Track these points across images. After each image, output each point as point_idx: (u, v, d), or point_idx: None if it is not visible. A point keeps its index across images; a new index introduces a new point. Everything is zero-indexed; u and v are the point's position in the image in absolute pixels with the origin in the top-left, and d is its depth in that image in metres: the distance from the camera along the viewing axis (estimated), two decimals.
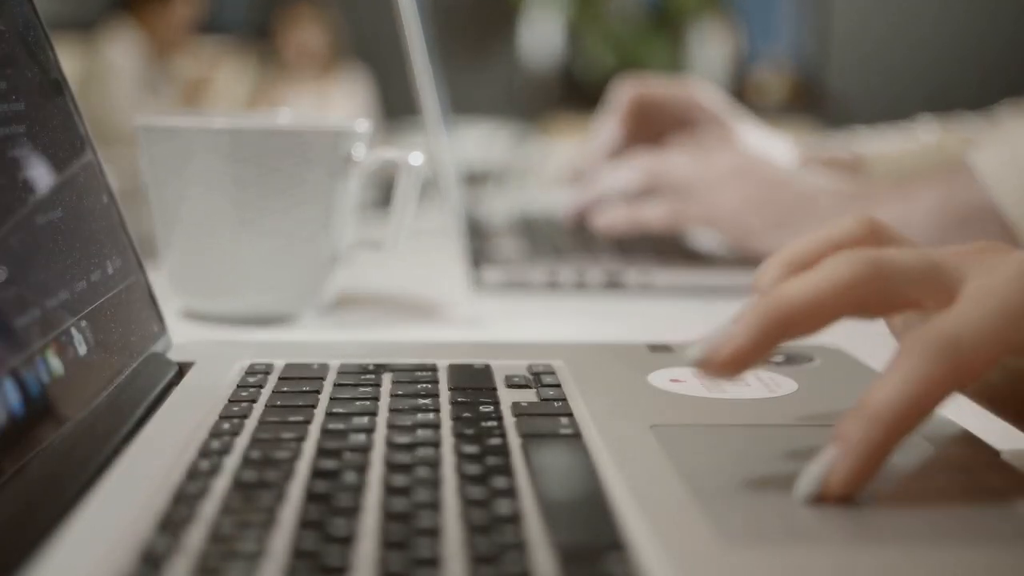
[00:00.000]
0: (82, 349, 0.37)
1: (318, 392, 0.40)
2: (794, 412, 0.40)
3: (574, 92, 4.55)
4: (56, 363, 0.35)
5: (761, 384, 0.43)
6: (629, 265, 0.75)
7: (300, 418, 0.37)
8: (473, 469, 0.32)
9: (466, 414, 0.38)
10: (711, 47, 4.69)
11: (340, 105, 3.77)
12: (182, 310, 0.63)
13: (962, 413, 0.37)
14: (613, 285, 0.73)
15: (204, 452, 0.34)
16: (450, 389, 0.41)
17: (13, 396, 0.31)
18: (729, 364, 0.31)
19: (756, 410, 0.40)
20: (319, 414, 0.38)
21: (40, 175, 0.38)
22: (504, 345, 0.49)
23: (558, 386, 0.42)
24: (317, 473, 0.32)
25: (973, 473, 0.33)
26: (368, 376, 0.43)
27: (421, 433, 0.36)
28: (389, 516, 0.29)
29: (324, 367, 0.44)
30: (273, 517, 0.29)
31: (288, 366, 0.44)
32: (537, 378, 0.43)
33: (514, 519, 0.29)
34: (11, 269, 0.34)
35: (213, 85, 3.87)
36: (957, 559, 0.27)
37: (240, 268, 0.60)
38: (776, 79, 4.72)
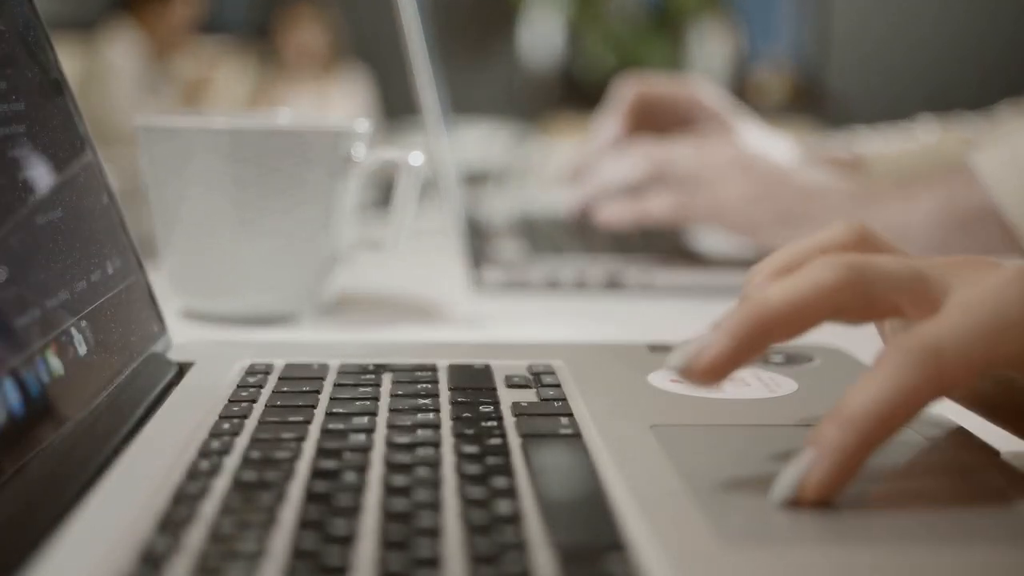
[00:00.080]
0: (82, 349, 0.37)
1: (318, 392, 0.40)
2: (794, 412, 0.40)
3: (574, 92, 4.55)
4: (56, 363, 0.35)
5: (761, 384, 0.43)
6: (629, 265, 0.75)
7: (300, 418, 0.37)
8: (473, 469, 0.32)
9: (466, 414, 0.38)
10: (711, 47, 4.69)
11: (340, 105, 3.77)
12: (182, 310, 0.63)
13: (962, 413, 0.37)
14: (613, 285, 0.73)
15: (204, 452, 0.34)
16: (450, 389, 0.41)
17: (13, 396, 0.31)
18: (709, 372, 0.31)
19: (756, 410, 0.40)
20: (319, 414, 0.38)
21: (40, 175, 0.38)
22: (504, 345, 0.49)
23: (558, 386, 0.42)
24: (317, 473, 0.32)
25: (973, 473, 0.33)
26: (368, 376, 0.43)
27: (421, 433, 0.36)
28: (389, 516, 0.29)
29: (324, 367, 0.44)
30: (273, 517, 0.29)
31: (288, 366, 0.44)
32: (537, 378, 0.43)
33: (514, 519, 0.29)
34: (11, 269, 0.34)
35: (213, 85, 3.87)
36: (957, 559, 0.27)
37: (240, 268, 0.60)
38: (776, 79, 4.72)
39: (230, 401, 0.40)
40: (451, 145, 0.96)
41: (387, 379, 0.42)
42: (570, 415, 0.38)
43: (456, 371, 0.44)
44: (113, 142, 1.89)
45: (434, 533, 0.28)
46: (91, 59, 3.27)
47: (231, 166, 0.59)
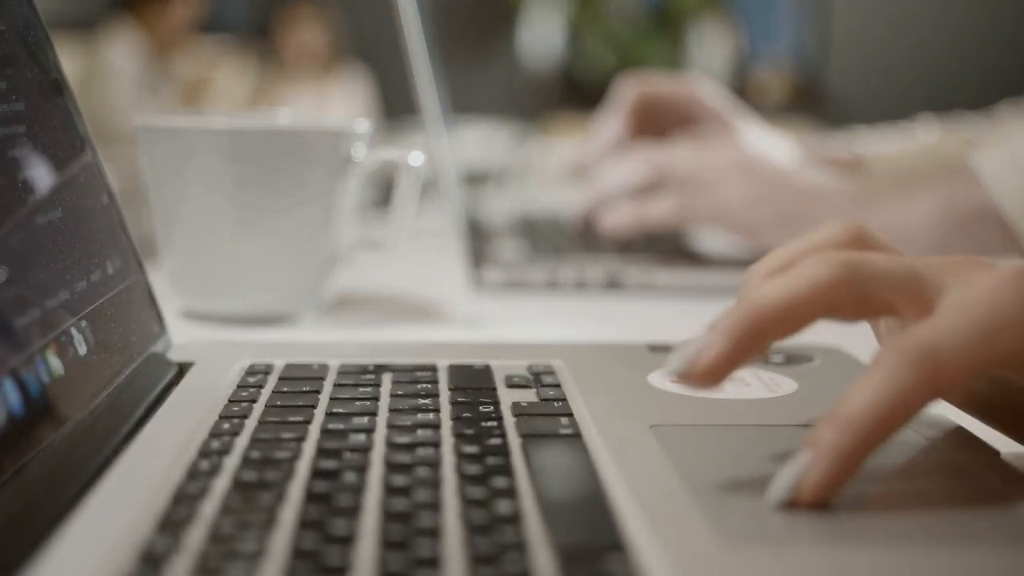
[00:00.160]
0: (82, 349, 0.37)
1: (318, 392, 0.40)
2: (794, 412, 0.40)
3: (574, 92, 4.55)
4: (56, 363, 0.35)
5: (761, 384, 0.43)
6: (629, 265, 0.75)
7: (300, 418, 0.37)
8: (473, 469, 0.32)
9: (466, 414, 0.38)
10: (711, 47, 4.69)
11: (340, 105, 3.77)
12: (182, 310, 0.63)
13: (961, 413, 0.37)
14: (613, 285, 0.73)
15: (204, 452, 0.34)
16: (450, 389, 0.41)
17: (13, 396, 0.31)
18: (709, 374, 0.31)
19: (756, 410, 0.40)
20: (319, 414, 0.38)
21: (40, 175, 0.38)
22: (504, 345, 0.49)
23: (558, 386, 0.42)
24: (317, 473, 0.32)
25: (972, 473, 0.33)
26: (368, 376, 0.43)
27: (421, 433, 0.36)
28: (389, 516, 0.29)
29: (324, 367, 0.44)
30: (273, 517, 0.29)
31: (288, 366, 0.44)
32: (537, 378, 0.43)
33: (514, 519, 0.29)
34: (11, 269, 0.34)
35: (213, 85, 3.87)
36: (956, 559, 0.27)
37: (240, 268, 0.60)
38: (776, 79, 4.72)
39: (230, 401, 0.40)
40: (451, 145, 0.96)
41: (387, 379, 0.42)
42: (570, 415, 0.38)
43: (456, 371, 0.44)
44: (113, 142, 1.90)
45: (434, 533, 0.28)
46: (91, 59, 3.27)
47: (231, 166, 0.59)
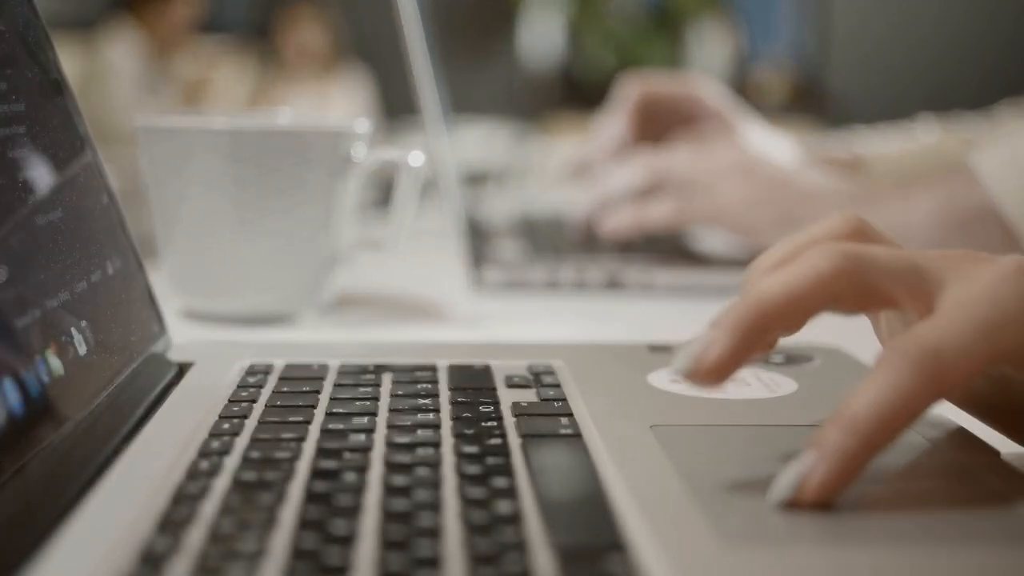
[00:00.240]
0: (82, 349, 0.37)
1: (318, 392, 0.40)
2: (794, 412, 0.40)
3: (574, 92, 4.55)
4: (56, 363, 0.35)
5: (761, 384, 0.43)
6: (629, 265, 0.75)
7: (300, 418, 0.37)
8: (473, 469, 0.32)
9: (466, 414, 0.38)
10: (711, 47, 4.69)
11: (340, 105, 3.77)
12: (182, 310, 0.63)
13: (962, 413, 0.37)
14: (613, 285, 0.73)
15: (204, 452, 0.34)
16: (450, 389, 0.41)
17: (13, 396, 0.31)
18: (715, 372, 0.31)
19: (756, 410, 0.40)
20: (319, 414, 0.38)
21: (40, 175, 0.38)
22: (504, 345, 0.49)
23: (558, 386, 0.42)
24: (317, 473, 0.32)
25: (973, 473, 0.33)
26: (368, 376, 0.43)
27: (421, 433, 0.36)
28: (389, 516, 0.29)
29: (324, 367, 0.44)
30: (273, 517, 0.29)
31: (288, 366, 0.44)
32: (537, 378, 0.43)
33: (514, 519, 0.29)
34: (11, 269, 0.34)
35: (213, 85, 3.87)
36: (956, 560, 0.27)
37: (240, 268, 0.60)
38: (776, 79, 4.71)
39: (230, 401, 0.40)
40: (451, 145, 0.96)
41: (387, 379, 0.42)
42: (570, 415, 0.38)
43: (456, 371, 0.44)
44: (113, 142, 1.90)
45: (434, 533, 0.28)
46: (91, 59, 3.27)
47: (231, 166, 0.59)
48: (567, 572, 0.26)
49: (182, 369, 0.45)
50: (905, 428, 0.30)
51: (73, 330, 0.37)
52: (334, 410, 0.38)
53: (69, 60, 0.67)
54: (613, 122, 0.94)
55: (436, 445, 0.34)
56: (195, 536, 0.28)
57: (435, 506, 0.29)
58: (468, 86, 3.76)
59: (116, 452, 0.35)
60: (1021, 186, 0.70)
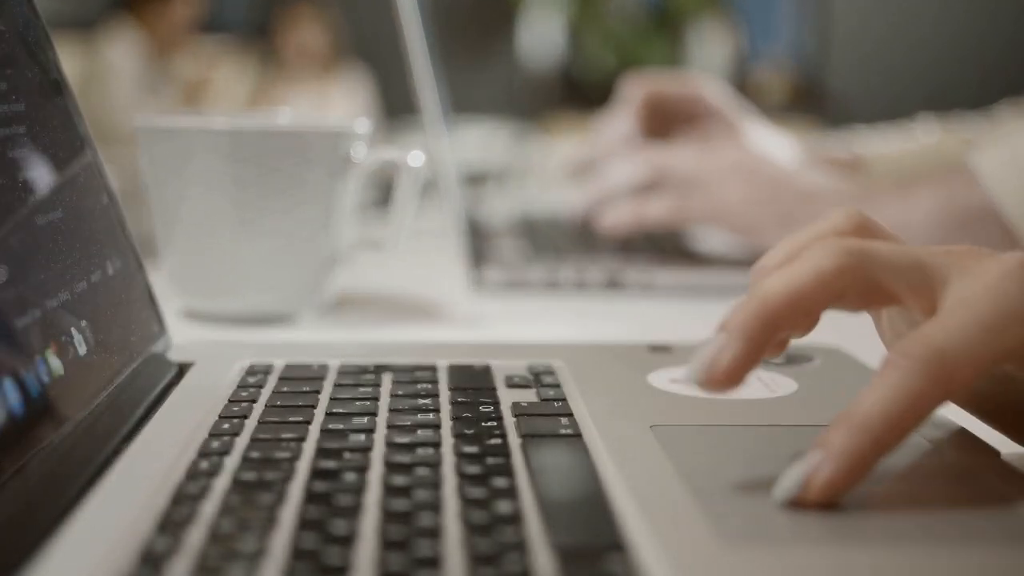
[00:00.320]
0: (82, 349, 0.37)
1: (318, 392, 0.40)
2: (794, 412, 0.40)
3: (574, 92, 4.55)
4: (56, 363, 0.35)
5: (761, 384, 0.43)
6: (629, 265, 0.75)
7: (300, 418, 0.37)
8: (473, 469, 0.32)
9: (466, 414, 0.38)
10: (711, 47, 4.69)
11: (340, 105, 3.77)
12: (182, 310, 0.63)
13: (962, 413, 0.37)
14: (613, 285, 0.73)
15: (204, 452, 0.34)
16: (450, 389, 0.41)
17: (13, 396, 0.31)
18: (729, 377, 0.31)
19: (756, 410, 0.40)
20: (319, 414, 0.38)
21: (40, 175, 0.38)
22: (504, 345, 0.49)
23: (558, 386, 0.42)
24: (317, 473, 0.32)
25: (973, 473, 0.33)
26: (368, 376, 0.43)
27: (421, 433, 0.36)
28: (389, 516, 0.29)
29: (324, 367, 0.44)
30: (273, 517, 0.29)
31: (288, 366, 0.44)
32: (537, 378, 0.43)
33: (514, 519, 0.29)
34: (11, 269, 0.34)
35: (213, 85, 3.87)
36: (956, 560, 0.27)
37: (240, 268, 0.60)
38: (776, 79, 4.71)
39: (230, 401, 0.40)
40: (451, 145, 0.96)
41: (387, 379, 0.42)
42: (570, 415, 0.38)
43: (456, 371, 0.44)
44: (113, 142, 1.90)
45: (434, 533, 0.28)
46: (91, 59, 3.27)
47: (231, 166, 0.59)
48: (567, 572, 0.26)
49: (182, 369, 0.45)
50: (912, 430, 0.30)
51: (73, 330, 0.37)
52: (334, 410, 0.38)
53: (69, 60, 0.67)
54: (619, 120, 0.94)
55: (436, 445, 0.34)
56: (195, 536, 0.28)
57: (435, 506, 0.29)
58: (468, 86, 3.76)
59: (116, 452, 0.35)
60: (1021, 186, 0.70)
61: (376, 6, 2.63)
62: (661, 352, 0.48)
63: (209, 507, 0.29)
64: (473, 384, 0.42)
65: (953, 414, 0.37)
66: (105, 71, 3.23)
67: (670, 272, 0.73)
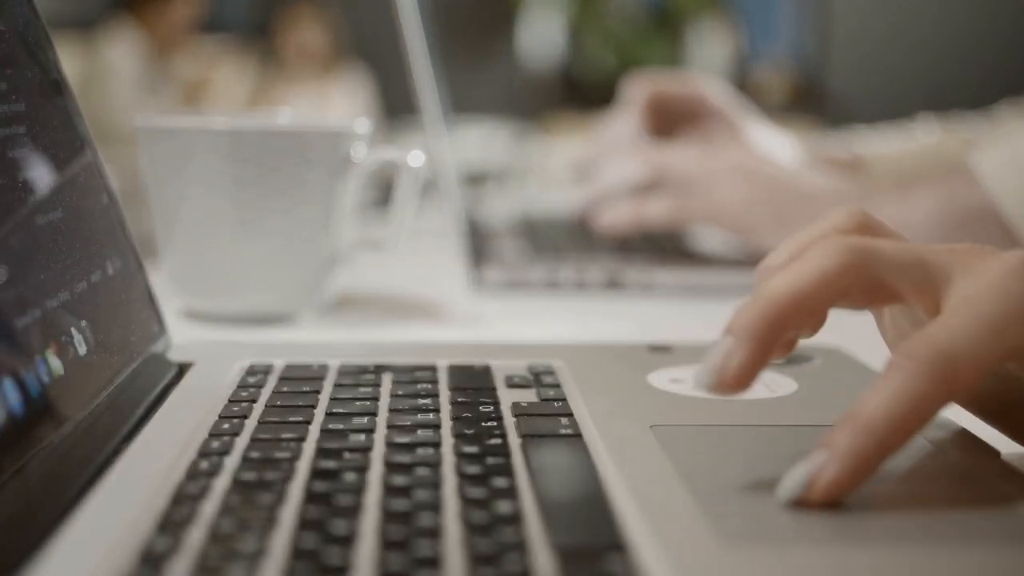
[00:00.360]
0: (82, 349, 0.37)
1: (318, 392, 0.40)
2: (794, 412, 0.40)
3: (574, 92, 4.55)
4: (56, 363, 0.35)
5: (761, 384, 0.43)
6: (629, 265, 0.75)
7: (300, 418, 0.37)
8: (473, 469, 0.32)
9: (466, 414, 0.38)
10: (711, 47, 4.69)
11: (340, 105, 3.77)
12: (182, 310, 0.63)
13: (962, 413, 0.37)
14: (613, 285, 0.73)
15: (204, 452, 0.34)
16: (450, 389, 0.41)
17: (13, 396, 0.31)
18: (738, 381, 0.31)
19: (756, 410, 0.40)
20: (319, 414, 0.38)
21: (40, 175, 0.38)
22: (504, 345, 0.49)
23: (558, 386, 0.42)
24: (317, 473, 0.32)
25: (973, 473, 0.33)
26: (368, 376, 0.43)
27: (421, 433, 0.36)
28: (389, 516, 0.29)
29: (324, 367, 0.44)
30: (273, 517, 0.29)
31: (288, 366, 0.44)
32: (537, 378, 0.43)
33: (514, 519, 0.29)
34: (11, 269, 0.34)
35: (213, 85, 3.87)
36: (956, 560, 0.27)
37: (240, 268, 0.60)
38: (776, 79, 4.71)
39: (230, 401, 0.40)
40: (451, 145, 0.96)
41: (387, 379, 0.42)
42: (570, 415, 0.38)
43: (456, 371, 0.44)
44: (113, 142, 1.89)
45: (434, 533, 0.28)
46: (91, 59, 3.27)
47: (231, 166, 0.59)
48: (567, 572, 0.26)
49: (182, 369, 0.45)
50: (917, 431, 0.30)
51: (73, 330, 0.37)
52: (334, 410, 0.38)
53: (69, 60, 0.67)
54: (623, 121, 0.94)
55: (436, 445, 0.34)
56: (195, 536, 0.28)
57: (435, 506, 0.29)
58: (468, 86, 3.76)
59: (116, 452, 0.35)
60: (1021, 186, 0.71)
61: (376, 6, 2.63)
62: (661, 352, 0.48)
63: (209, 507, 0.29)
64: (473, 384, 0.42)
65: (953, 414, 0.37)
66: (105, 71, 3.23)
67: (670, 272, 0.73)
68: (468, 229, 0.80)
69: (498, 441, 0.35)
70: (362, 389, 0.41)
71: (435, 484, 0.31)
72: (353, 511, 0.29)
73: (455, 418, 0.37)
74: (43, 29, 0.42)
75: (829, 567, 0.27)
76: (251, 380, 0.42)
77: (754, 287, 0.34)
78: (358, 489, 0.30)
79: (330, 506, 0.29)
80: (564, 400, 0.40)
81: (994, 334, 0.30)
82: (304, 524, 0.28)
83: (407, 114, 1.96)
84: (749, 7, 4.77)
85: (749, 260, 0.76)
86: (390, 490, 0.30)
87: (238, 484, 0.31)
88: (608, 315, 0.67)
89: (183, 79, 3.66)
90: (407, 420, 0.37)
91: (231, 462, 0.33)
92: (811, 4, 4.69)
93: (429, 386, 0.41)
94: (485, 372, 0.44)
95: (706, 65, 4.55)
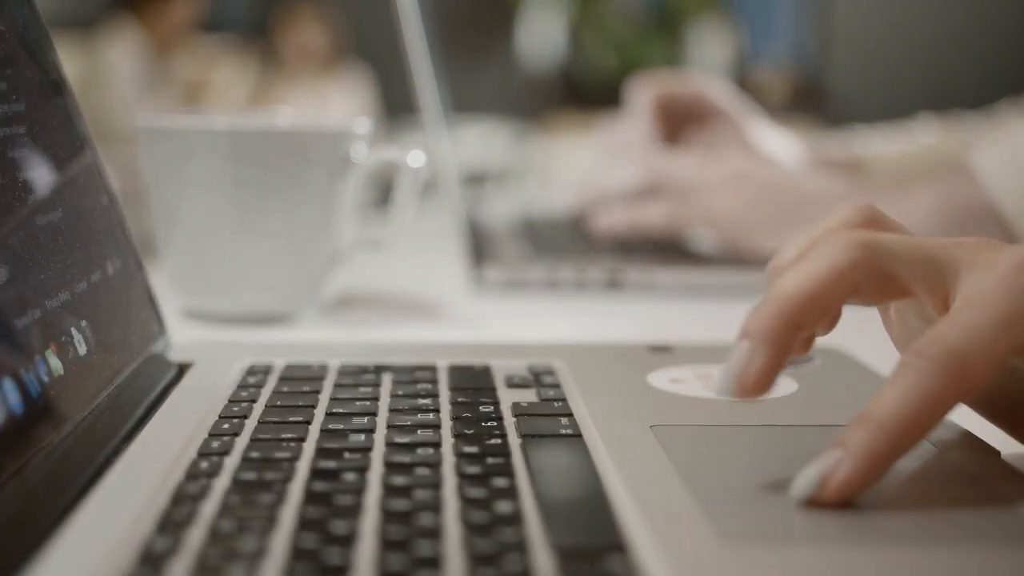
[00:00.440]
0: (82, 349, 0.37)
1: (318, 392, 0.40)
2: (794, 412, 0.40)
3: (574, 92, 4.55)
4: (56, 363, 0.35)
5: None
6: (629, 265, 0.75)
7: (300, 418, 0.37)
8: (473, 469, 0.32)
9: (466, 414, 0.38)
10: (711, 47, 4.69)
11: (340, 105, 3.77)
12: (182, 310, 0.63)
13: (962, 413, 0.37)
14: (613, 285, 0.73)
15: (204, 452, 0.34)
16: (450, 389, 0.41)
17: (13, 396, 0.31)
18: (761, 384, 0.31)
19: (756, 410, 0.40)
20: (319, 414, 0.38)
21: (40, 176, 0.38)
22: (504, 345, 0.49)
23: (558, 386, 0.42)
24: (317, 473, 0.32)
25: (973, 474, 0.33)
26: (368, 376, 0.43)
27: (421, 433, 0.36)
28: (389, 516, 0.29)
29: (324, 367, 0.44)
30: (273, 517, 0.29)
31: (288, 366, 0.44)
32: (537, 378, 0.43)
33: (514, 519, 0.29)
34: (11, 269, 0.34)
35: (213, 85, 3.87)
36: (956, 559, 0.27)
37: (240, 268, 0.60)
38: (776, 79, 4.71)
39: (230, 401, 0.40)
40: (451, 145, 0.96)
41: (387, 379, 0.42)
42: (570, 415, 0.38)
43: (456, 371, 0.44)
44: (113, 142, 1.90)
45: (434, 533, 0.28)
46: (91, 59, 3.27)
47: (231, 166, 0.59)
48: (567, 572, 0.26)
49: (182, 369, 0.45)
50: (930, 430, 0.30)
51: (73, 330, 0.37)
52: (334, 410, 0.38)
53: (69, 60, 0.67)
54: (632, 125, 0.94)
55: (436, 445, 0.34)
56: (195, 536, 0.28)
57: (435, 506, 0.29)
58: (468, 86, 3.76)
59: (116, 452, 0.35)
60: (1021, 185, 0.71)
61: (376, 6, 2.63)
62: (661, 352, 0.48)
63: (209, 507, 0.29)
64: (473, 384, 0.42)
65: (953, 414, 0.37)
66: (105, 71, 3.23)
67: (670, 272, 0.73)
68: (468, 229, 0.80)
69: (498, 441, 0.35)
70: (362, 389, 0.41)
71: (435, 484, 0.31)
72: (353, 511, 0.29)
73: (455, 418, 0.37)
74: (43, 29, 0.42)
75: (829, 567, 0.27)
76: (251, 380, 0.42)
77: (766, 286, 0.34)
78: (358, 489, 0.30)
79: (330, 506, 0.29)
80: (564, 400, 0.40)
81: (1003, 330, 0.30)
82: (304, 524, 0.28)
83: (407, 114, 1.96)
84: (749, 7, 4.77)
85: (748, 260, 0.76)
86: (390, 490, 0.30)
87: (238, 484, 0.31)
88: (608, 315, 0.67)
89: (183, 79, 3.66)
90: (407, 420, 0.37)
91: (231, 462, 0.33)
92: (811, 4, 4.69)
93: (429, 386, 0.41)
94: (485, 372, 0.44)
95: (706, 65, 4.55)
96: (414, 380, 0.42)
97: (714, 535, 0.28)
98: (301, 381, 0.42)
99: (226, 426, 0.36)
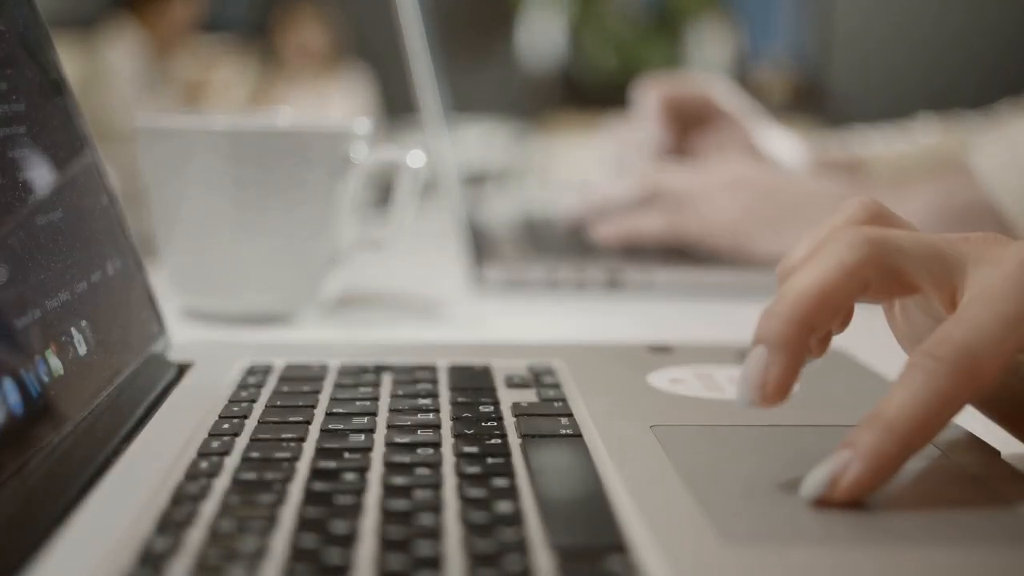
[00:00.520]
0: (82, 349, 0.37)
1: (318, 392, 0.40)
2: (794, 412, 0.40)
3: (574, 92, 4.55)
4: (56, 363, 0.35)
5: None
6: (629, 265, 0.75)
7: (300, 418, 0.37)
8: (473, 469, 0.32)
9: (466, 414, 0.38)
10: (711, 47, 4.69)
11: (340, 104, 3.77)
12: (182, 310, 0.63)
13: (962, 413, 0.37)
14: (613, 285, 0.73)
15: (204, 452, 0.34)
16: (450, 389, 0.41)
17: (13, 396, 0.31)
18: (780, 390, 0.31)
19: (756, 410, 0.40)
20: (319, 414, 0.38)
21: (40, 176, 0.38)
22: (504, 345, 0.49)
23: (558, 386, 0.42)
24: (317, 473, 0.32)
25: (973, 473, 0.33)
26: (368, 376, 0.43)
27: (421, 433, 0.36)
28: (389, 516, 0.29)
29: (324, 367, 0.44)
30: (273, 517, 0.29)
31: (288, 366, 0.44)
32: (537, 378, 0.43)
33: (514, 519, 0.29)
34: (11, 269, 0.34)
35: (213, 85, 3.87)
36: (956, 559, 0.27)
37: (240, 268, 0.60)
38: (777, 79, 4.71)
39: (230, 401, 0.40)
40: (451, 145, 0.96)
41: (387, 379, 0.42)
42: (570, 415, 0.38)
43: (456, 371, 0.44)
44: (113, 142, 1.89)
45: (434, 533, 0.28)
46: (91, 59, 3.27)
47: (231, 166, 0.59)
48: (567, 572, 0.26)
49: (182, 369, 0.45)
50: (940, 430, 0.30)
51: (73, 330, 0.37)
52: (334, 410, 0.38)
53: (69, 60, 0.67)
54: (640, 128, 0.94)
55: (436, 445, 0.34)
56: (195, 536, 0.28)
57: (435, 506, 0.29)
58: (468, 86, 3.76)
59: (116, 452, 0.35)
60: (1021, 185, 0.71)
61: (376, 6, 2.62)
62: (661, 352, 0.48)
63: (209, 507, 0.29)
64: (473, 384, 0.42)
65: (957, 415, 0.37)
66: (105, 71, 3.23)
67: (670, 272, 0.73)
68: (468, 229, 0.80)
69: (498, 441, 0.35)
70: (362, 389, 0.41)
71: (435, 484, 0.31)
72: (353, 511, 0.29)
73: (455, 418, 0.37)
74: (43, 29, 0.42)
75: (828, 567, 0.27)
76: (251, 380, 0.42)
77: (776, 287, 0.34)
78: (358, 489, 0.30)
79: (330, 506, 0.29)
80: (564, 400, 0.40)
81: (1012, 328, 0.30)
82: (304, 524, 0.28)
83: (407, 114, 1.96)
84: (749, 7, 4.77)
85: (749, 261, 0.76)
86: (390, 490, 0.30)
87: (238, 484, 0.31)
88: (608, 315, 0.67)
89: (183, 79, 3.66)
90: (407, 420, 0.37)
91: (231, 462, 0.33)
92: (811, 4, 4.69)
93: (429, 386, 0.41)
94: (485, 372, 0.44)
95: (706, 65, 4.55)
96: (414, 380, 0.42)
97: (714, 535, 0.28)
98: (301, 381, 0.42)
99: (226, 426, 0.36)
